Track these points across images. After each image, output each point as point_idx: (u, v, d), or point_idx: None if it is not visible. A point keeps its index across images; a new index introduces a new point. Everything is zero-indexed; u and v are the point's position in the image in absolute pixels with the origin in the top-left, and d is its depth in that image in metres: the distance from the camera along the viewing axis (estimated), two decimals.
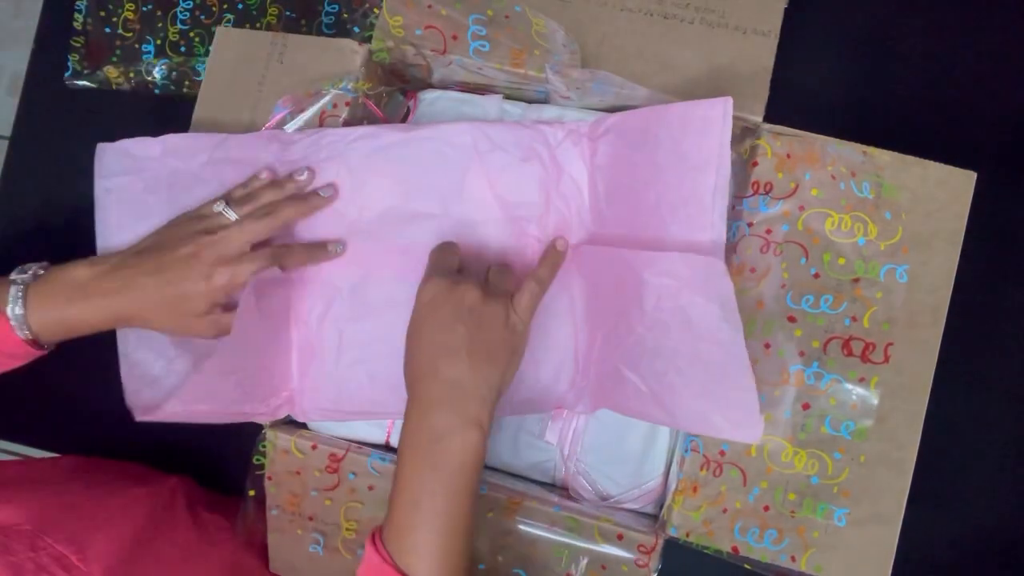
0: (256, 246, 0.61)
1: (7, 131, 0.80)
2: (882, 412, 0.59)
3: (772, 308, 0.60)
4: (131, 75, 0.78)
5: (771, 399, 0.60)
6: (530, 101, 0.70)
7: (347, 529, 0.66)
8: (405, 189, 0.65)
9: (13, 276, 0.59)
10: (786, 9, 0.64)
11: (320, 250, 0.64)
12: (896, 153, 0.61)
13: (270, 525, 0.68)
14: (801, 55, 0.67)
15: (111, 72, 0.78)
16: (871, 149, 0.61)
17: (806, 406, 0.60)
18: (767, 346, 0.60)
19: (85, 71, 0.78)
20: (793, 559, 0.59)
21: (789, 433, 0.60)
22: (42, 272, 0.59)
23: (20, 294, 0.57)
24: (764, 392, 0.60)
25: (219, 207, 0.61)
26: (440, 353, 0.54)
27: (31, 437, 0.82)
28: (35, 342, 0.58)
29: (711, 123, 0.56)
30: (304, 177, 0.64)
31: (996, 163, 0.62)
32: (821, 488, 0.59)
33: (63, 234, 0.77)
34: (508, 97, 0.70)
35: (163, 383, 0.65)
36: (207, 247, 0.59)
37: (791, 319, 0.60)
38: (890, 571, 0.58)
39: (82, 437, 0.79)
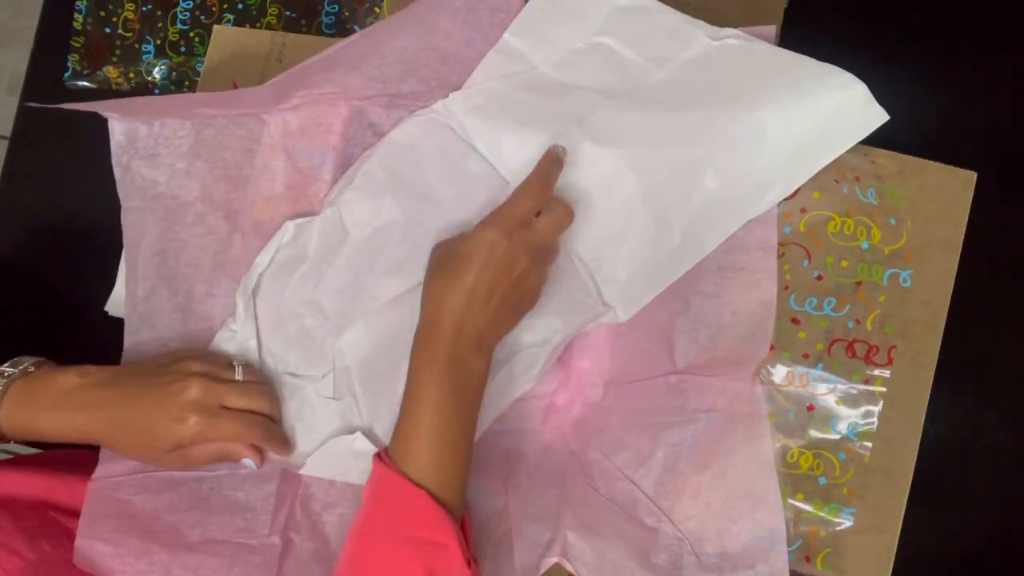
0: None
1: (7, 131, 0.80)
2: (885, 414, 0.59)
3: (775, 309, 0.60)
4: (131, 75, 0.77)
5: (775, 400, 0.60)
6: None
7: None
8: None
9: (5, 367, 0.57)
10: (786, 9, 0.64)
11: (285, 445, 0.60)
12: (898, 155, 0.61)
13: None
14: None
15: (111, 72, 0.77)
16: (873, 151, 0.61)
17: (810, 407, 0.60)
18: (771, 348, 0.60)
19: (85, 71, 0.78)
20: (808, 559, 0.59)
21: (794, 434, 0.60)
22: (32, 369, 0.57)
23: (1, 388, 0.56)
24: (768, 393, 0.60)
25: (234, 360, 0.60)
26: (475, 303, 0.54)
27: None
28: None
29: None
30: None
31: (996, 163, 0.62)
32: (830, 488, 0.59)
33: (63, 234, 0.77)
34: None
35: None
36: (194, 389, 0.55)
37: (794, 321, 0.61)
38: (890, 571, 0.58)
39: None
